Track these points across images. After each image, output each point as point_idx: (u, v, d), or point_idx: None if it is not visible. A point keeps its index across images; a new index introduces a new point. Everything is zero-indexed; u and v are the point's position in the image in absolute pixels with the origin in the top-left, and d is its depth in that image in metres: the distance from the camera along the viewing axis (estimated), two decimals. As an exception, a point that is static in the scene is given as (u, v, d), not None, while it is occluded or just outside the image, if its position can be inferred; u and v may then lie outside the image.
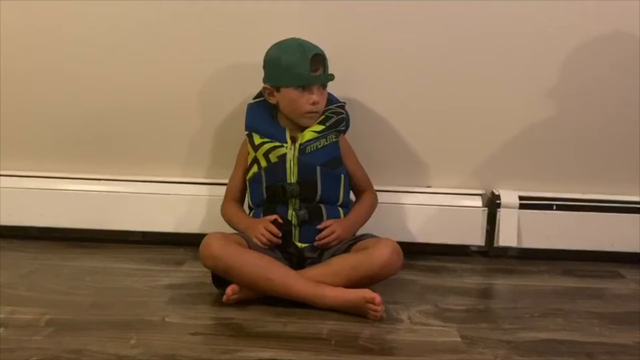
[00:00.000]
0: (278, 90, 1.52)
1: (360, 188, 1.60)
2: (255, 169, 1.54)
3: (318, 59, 1.49)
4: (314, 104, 1.49)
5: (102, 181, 1.78)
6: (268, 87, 1.54)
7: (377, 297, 1.30)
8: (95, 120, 1.78)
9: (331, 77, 1.52)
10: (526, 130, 1.75)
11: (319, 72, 1.50)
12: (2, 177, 1.78)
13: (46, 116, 1.78)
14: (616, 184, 1.77)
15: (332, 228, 1.47)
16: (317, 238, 1.46)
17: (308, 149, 1.51)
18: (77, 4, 1.70)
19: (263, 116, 1.57)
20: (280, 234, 1.44)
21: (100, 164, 1.81)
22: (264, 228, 1.44)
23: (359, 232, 1.53)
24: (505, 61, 1.71)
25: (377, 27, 1.69)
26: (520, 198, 1.75)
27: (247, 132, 1.57)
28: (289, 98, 1.50)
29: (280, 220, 1.46)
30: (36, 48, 1.73)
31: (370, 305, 1.30)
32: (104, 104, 1.76)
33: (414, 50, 1.71)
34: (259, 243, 1.43)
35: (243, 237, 1.45)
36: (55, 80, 1.75)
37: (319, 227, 1.48)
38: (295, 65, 1.47)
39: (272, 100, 1.54)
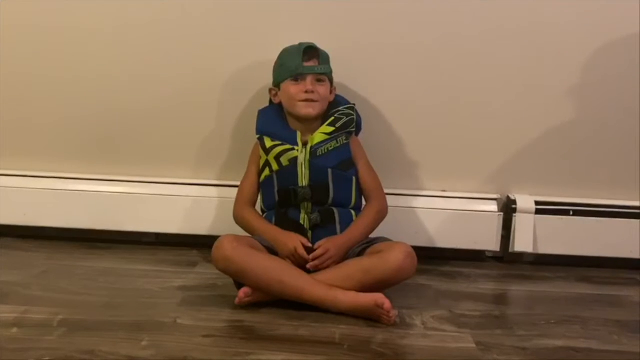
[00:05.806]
0: (279, 88, 1.55)
1: (366, 192, 1.56)
2: (267, 172, 1.53)
3: (312, 52, 1.52)
4: (307, 92, 1.49)
5: (117, 182, 1.79)
6: (272, 88, 1.58)
7: (387, 303, 1.28)
8: (108, 122, 1.78)
9: (325, 69, 1.52)
10: (543, 135, 1.73)
11: (313, 64, 1.51)
12: (17, 178, 1.79)
13: (61, 118, 1.79)
14: (634, 190, 1.74)
15: (326, 246, 1.44)
16: (309, 266, 1.42)
17: (319, 152, 1.50)
18: (85, 4, 1.70)
19: (274, 120, 1.57)
20: (309, 260, 1.43)
21: (115, 166, 1.81)
22: (295, 251, 1.42)
23: (372, 235, 1.52)
24: (522, 65, 1.69)
25: (393, 30, 1.68)
26: (537, 203, 1.73)
27: (258, 136, 1.56)
28: (286, 91, 1.52)
29: (309, 246, 1.45)
30: (49, 50, 1.74)
31: (382, 310, 1.29)
32: (118, 106, 1.77)
33: (429, 54, 1.70)
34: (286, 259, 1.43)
35: (257, 240, 1.44)
36: (71, 83, 1.76)
37: (314, 254, 1.43)
38: (289, 59, 1.51)
39: (276, 100, 1.57)
